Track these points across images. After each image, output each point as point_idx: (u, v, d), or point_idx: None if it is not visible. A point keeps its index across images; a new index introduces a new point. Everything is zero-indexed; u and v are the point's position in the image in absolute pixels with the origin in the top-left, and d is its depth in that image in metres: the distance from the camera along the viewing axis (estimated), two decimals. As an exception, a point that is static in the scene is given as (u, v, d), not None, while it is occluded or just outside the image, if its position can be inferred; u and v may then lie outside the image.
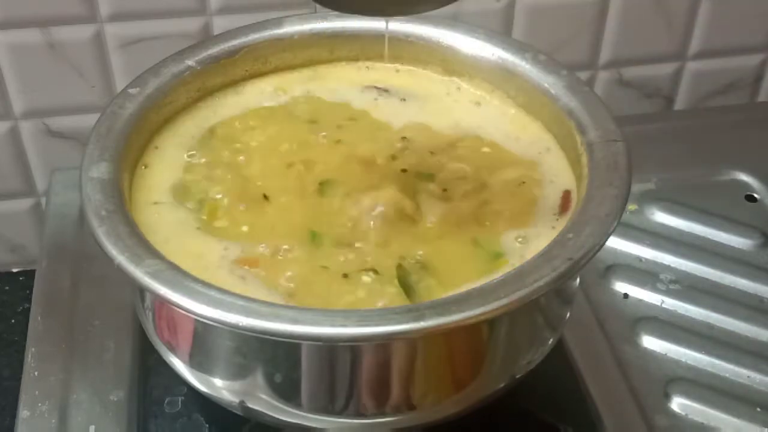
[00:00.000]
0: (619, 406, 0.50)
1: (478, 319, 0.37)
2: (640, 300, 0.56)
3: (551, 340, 0.45)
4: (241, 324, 0.36)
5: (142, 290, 0.43)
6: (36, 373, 0.51)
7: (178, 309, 0.37)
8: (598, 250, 0.39)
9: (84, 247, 0.58)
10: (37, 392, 0.50)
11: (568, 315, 0.46)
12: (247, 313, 0.36)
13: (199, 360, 0.42)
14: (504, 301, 0.37)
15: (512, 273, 0.38)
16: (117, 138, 0.44)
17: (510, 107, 0.50)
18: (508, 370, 0.43)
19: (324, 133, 0.49)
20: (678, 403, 0.51)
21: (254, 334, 0.37)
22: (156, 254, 0.39)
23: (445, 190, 0.46)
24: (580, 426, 0.48)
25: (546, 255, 0.39)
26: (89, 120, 0.46)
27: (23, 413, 0.49)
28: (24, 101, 0.65)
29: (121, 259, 0.38)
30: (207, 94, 0.50)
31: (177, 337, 0.43)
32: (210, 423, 0.49)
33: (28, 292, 0.58)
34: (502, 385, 0.43)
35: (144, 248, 0.39)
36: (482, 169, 0.47)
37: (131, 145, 0.45)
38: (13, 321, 0.68)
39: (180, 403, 0.49)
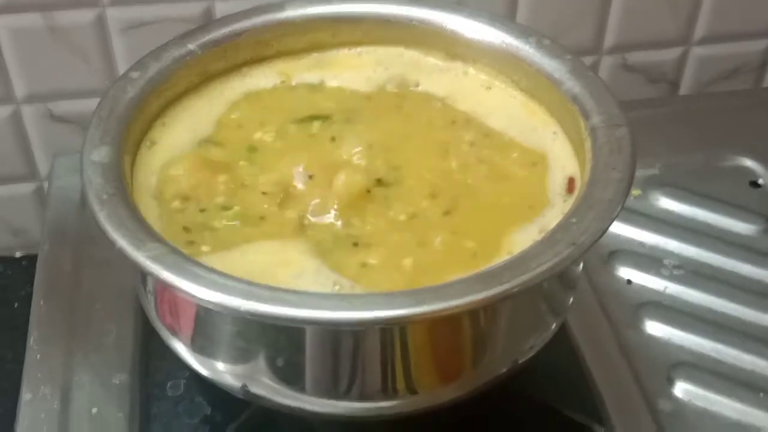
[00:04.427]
0: (622, 391, 0.50)
1: (481, 304, 0.36)
2: (644, 285, 0.56)
3: (554, 325, 0.45)
4: (242, 308, 0.36)
5: (143, 274, 0.43)
6: (38, 356, 0.51)
7: (179, 293, 0.37)
8: (602, 234, 0.39)
9: (86, 231, 0.58)
10: (39, 375, 0.50)
11: (571, 300, 0.46)
12: (249, 297, 0.36)
13: (200, 344, 0.42)
14: (506, 286, 0.36)
15: (515, 258, 0.38)
16: (118, 122, 0.44)
17: (515, 92, 0.50)
18: (510, 355, 0.43)
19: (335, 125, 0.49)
20: (681, 388, 0.51)
21: (256, 319, 0.37)
22: (157, 238, 0.38)
23: (458, 176, 0.46)
24: (582, 411, 0.48)
25: (549, 240, 0.38)
26: (91, 104, 0.46)
27: (25, 396, 0.49)
28: (26, 85, 0.64)
29: (122, 243, 0.38)
30: (209, 78, 0.50)
31: (179, 321, 0.43)
32: (213, 406, 0.49)
33: (30, 276, 0.58)
34: (504, 370, 0.43)
35: (145, 232, 0.39)
36: (494, 155, 0.47)
37: (132, 129, 0.45)
38: (16, 305, 0.68)
39: (182, 386, 0.49)
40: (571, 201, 0.43)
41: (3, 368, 0.63)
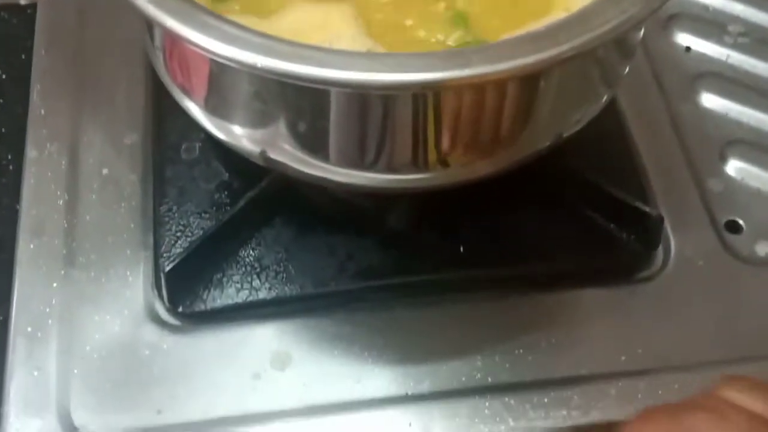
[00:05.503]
0: (671, 168, 0.47)
1: (532, 68, 0.32)
2: (704, 54, 0.52)
3: (605, 97, 0.41)
4: (258, 65, 0.32)
5: (149, 24, 0.39)
6: (42, 111, 0.48)
7: (188, 45, 0.33)
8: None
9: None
10: (44, 131, 0.47)
11: (626, 70, 0.42)
12: (267, 52, 0.32)
13: (215, 104, 0.39)
14: (562, 48, 0.32)
15: (573, 15, 0.33)
16: None
17: None
18: (555, 127, 0.40)
19: None
20: (734, 167, 0.48)
21: (274, 77, 0.33)
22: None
23: None
24: (627, 188, 0.45)
25: (614, -5, 0.33)
26: None
27: (31, 153, 0.47)
28: None
29: (121, -16, 0.33)
30: None
31: (190, 79, 0.39)
32: (230, 172, 0.46)
33: (37, 25, 0.54)
34: (547, 144, 0.40)
35: (149, -27, 0.34)
36: None
37: None
38: (23, 56, 0.65)
39: (197, 149, 0.47)
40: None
41: (13, 124, 0.61)
